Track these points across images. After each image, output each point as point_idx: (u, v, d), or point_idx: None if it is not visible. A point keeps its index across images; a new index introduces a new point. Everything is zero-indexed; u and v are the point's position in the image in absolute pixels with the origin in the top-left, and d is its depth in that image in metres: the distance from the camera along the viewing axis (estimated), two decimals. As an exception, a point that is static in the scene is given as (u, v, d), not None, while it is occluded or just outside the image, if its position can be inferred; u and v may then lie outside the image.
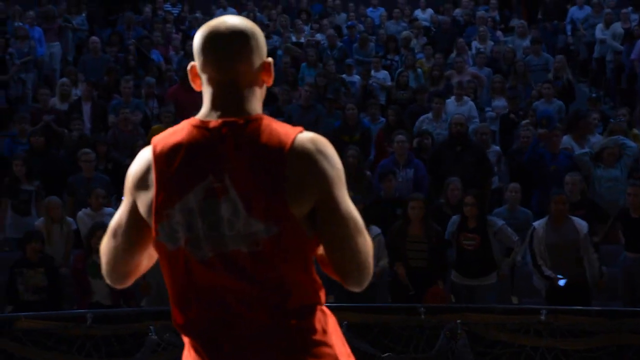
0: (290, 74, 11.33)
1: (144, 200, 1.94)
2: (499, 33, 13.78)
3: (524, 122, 9.15)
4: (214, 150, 1.88)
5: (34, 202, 7.94)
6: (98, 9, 15.13)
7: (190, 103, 9.88)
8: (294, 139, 1.87)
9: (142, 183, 1.95)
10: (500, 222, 6.95)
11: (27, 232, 6.95)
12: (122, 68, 11.52)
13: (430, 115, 9.52)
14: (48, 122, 9.40)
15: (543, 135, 8.50)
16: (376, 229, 6.85)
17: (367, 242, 1.92)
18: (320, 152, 1.88)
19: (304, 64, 12.03)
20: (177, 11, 15.36)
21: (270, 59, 1.98)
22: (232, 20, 1.95)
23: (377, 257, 6.73)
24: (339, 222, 1.88)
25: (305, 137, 1.89)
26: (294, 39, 13.55)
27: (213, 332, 1.90)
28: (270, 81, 1.99)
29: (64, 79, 10.60)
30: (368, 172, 8.50)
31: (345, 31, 14.18)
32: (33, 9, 13.87)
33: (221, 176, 1.86)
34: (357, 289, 1.94)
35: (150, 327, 4.90)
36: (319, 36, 13.79)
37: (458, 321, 4.70)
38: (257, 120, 1.90)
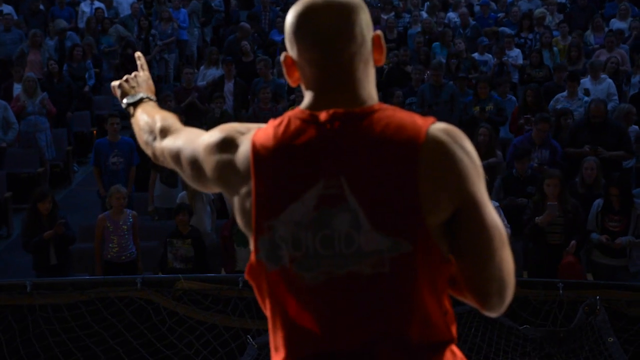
0: (423, 52, 11.41)
1: (238, 196, 1.63)
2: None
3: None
4: (326, 148, 1.54)
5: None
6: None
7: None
8: (427, 130, 1.53)
9: (237, 173, 1.63)
10: None
11: (177, 205, 7.37)
12: (259, 48, 11.94)
13: (565, 93, 9.41)
14: (193, 99, 9.97)
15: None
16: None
17: (510, 258, 1.59)
18: (459, 145, 1.54)
19: (436, 44, 12.06)
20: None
21: (379, 32, 1.64)
22: None
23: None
24: (483, 232, 1.54)
25: (439, 127, 1.55)
26: (425, 16, 13.58)
27: None
28: (382, 59, 1.64)
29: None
30: (499, 152, 8.50)
31: (477, 9, 14.08)
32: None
33: (336, 180, 1.53)
34: (494, 314, 1.61)
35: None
36: (451, 15, 13.76)
37: (597, 297, 4.75)
38: (378, 110, 1.57)
